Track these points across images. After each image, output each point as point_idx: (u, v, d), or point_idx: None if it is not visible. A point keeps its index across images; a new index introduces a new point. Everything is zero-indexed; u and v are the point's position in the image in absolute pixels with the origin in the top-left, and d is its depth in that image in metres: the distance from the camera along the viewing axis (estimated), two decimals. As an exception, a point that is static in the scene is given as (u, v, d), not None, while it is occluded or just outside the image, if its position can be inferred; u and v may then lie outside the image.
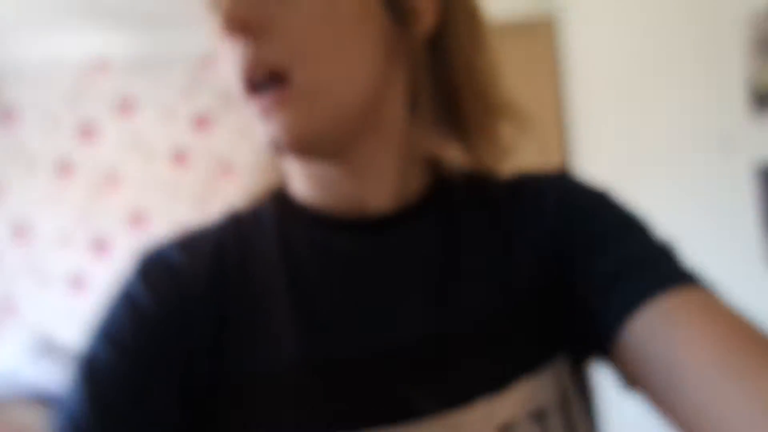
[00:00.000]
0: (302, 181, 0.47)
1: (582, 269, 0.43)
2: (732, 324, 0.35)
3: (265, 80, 0.40)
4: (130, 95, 2.66)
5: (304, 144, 0.41)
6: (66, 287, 2.60)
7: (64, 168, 2.62)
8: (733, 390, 0.32)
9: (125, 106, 2.65)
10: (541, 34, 2.39)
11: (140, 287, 0.44)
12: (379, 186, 0.46)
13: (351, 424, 0.39)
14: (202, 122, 2.67)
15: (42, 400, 1.96)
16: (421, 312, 0.43)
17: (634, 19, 1.65)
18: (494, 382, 0.41)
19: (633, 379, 0.39)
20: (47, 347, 2.27)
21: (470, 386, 0.41)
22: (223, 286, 0.44)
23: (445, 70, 0.47)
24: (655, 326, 0.37)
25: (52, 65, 2.61)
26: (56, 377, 2.14)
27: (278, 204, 0.49)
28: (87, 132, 2.64)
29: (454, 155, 0.50)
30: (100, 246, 2.62)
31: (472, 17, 0.48)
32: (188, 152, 2.66)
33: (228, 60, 0.41)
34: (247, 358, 0.42)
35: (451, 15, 0.47)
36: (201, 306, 0.43)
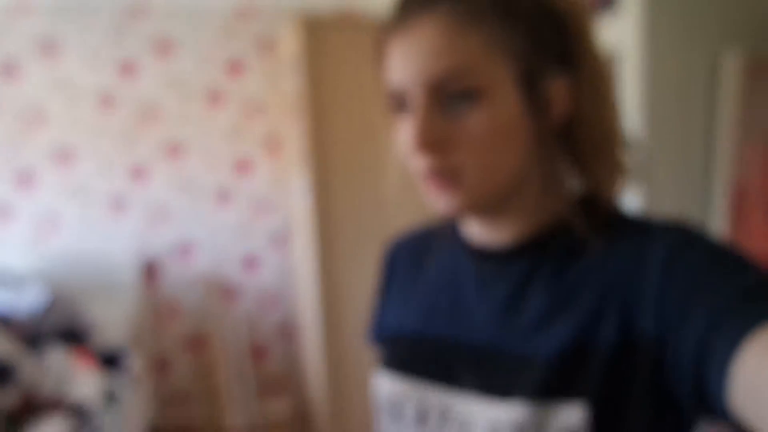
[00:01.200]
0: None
1: (675, 338, 0.46)
2: None
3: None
4: (54, 37, 2.77)
5: (462, 216, 0.56)
6: (-8, 217, 2.77)
7: (-14, 103, 2.71)
8: None
9: (48, 48, 2.76)
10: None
11: (380, 264, 0.74)
12: (506, 231, 0.59)
13: (414, 372, 0.59)
14: (127, 68, 2.87)
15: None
16: (487, 325, 0.57)
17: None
18: (501, 390, 0.53)
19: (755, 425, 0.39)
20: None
21: (489, 385, 0.54)
22: (397, 268, 0.71)
23: (576, 135, 0.55)
24: (755, 371, 0.38)
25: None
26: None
27: (453, 226, 0.67)
28: (8, 70, 2.73)
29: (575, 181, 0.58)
30: (26, 179, 2.80)
31: (602, 90, 0.55)
32: (114, 96, 2.86)
33: (414, 159, 0.54)
34: (384, 319, 0.70)
35: (583, 97, 0.54)
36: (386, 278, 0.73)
